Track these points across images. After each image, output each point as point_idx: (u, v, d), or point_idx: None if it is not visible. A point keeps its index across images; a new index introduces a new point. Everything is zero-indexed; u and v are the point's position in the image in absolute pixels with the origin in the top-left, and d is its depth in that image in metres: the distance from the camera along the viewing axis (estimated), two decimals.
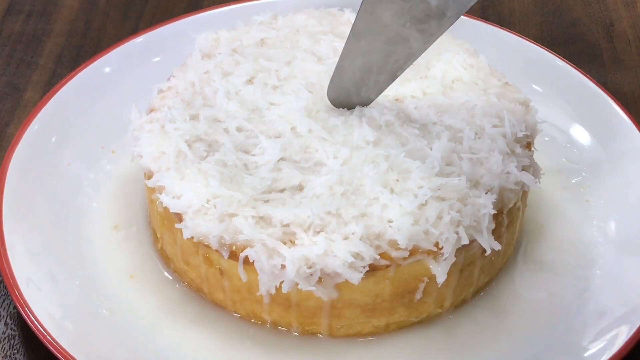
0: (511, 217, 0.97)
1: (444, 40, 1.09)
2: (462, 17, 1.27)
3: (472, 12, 1.37)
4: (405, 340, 0.96)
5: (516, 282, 1.02)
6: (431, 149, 0.95)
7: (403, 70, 0.96)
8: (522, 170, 0.95)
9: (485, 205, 0.91)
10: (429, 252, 0.90)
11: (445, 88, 1.03)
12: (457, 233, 0.89)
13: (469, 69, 1.05)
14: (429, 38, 0.92)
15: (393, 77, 0.97)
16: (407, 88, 1.03)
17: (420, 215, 0.89)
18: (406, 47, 0.93)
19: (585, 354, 0.94)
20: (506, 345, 0.96)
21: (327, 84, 1.02)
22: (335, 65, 1.01)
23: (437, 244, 0.89)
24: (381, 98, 1.01)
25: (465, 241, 0.89)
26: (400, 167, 0.93)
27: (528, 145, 0.99)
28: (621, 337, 0.93)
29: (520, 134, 0.98)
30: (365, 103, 1.00)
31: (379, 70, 0.96)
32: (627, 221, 1.06)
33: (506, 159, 0.95)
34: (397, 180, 0.92)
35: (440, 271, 0.90)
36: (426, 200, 0.90)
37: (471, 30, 1.19)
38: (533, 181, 0.95)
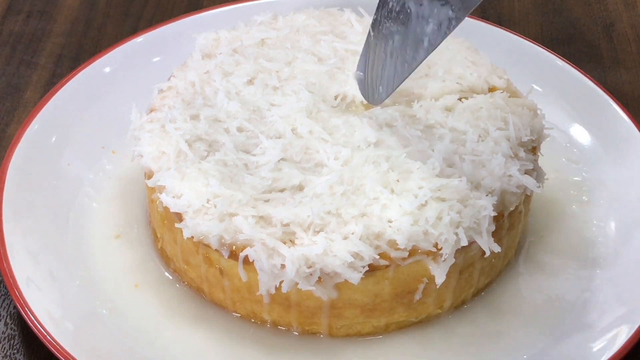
0: (512, 220, 0.97)
1: None
2: None
3: (472, 12, 1.37)
4: (404, 340, 0.96)
5: (516, 283, 1.02)
6: (433, 150, 0.95)
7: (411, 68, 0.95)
8: (525, 174, 0.95)
9: (486, 207, 0.91)
10: (428, 253, 0.90)
11: (449, 88, 1.03)
12: (456, 234, 0.89)
13: (471, 66, 1.05)
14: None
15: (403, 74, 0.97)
16: (409, 86, 1.03)
17: (420, 216, 0.89)
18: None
19: (586, 354, 0.94)
20: (506, 346, 0.96)
21: (328, 84, 1.02)
22: (334, 65, 1.02)
23: (436, 245, 0.89)
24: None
25: (464, 242, 0.89)
26: (401, 168, 0.93)
27: (533, 150, 0.99)
28: (621, 337, 0.93)
29: (525, 138, 0.98)
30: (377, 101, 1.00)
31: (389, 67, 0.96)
32: (627, 221, 1.06)
33: (509, 162, 0.95)
34: (398, 181, 0.92)
35: (439, 272, 0.90)
36: (426, 201, 0.90)
37: (471, 30, 1.19)
38: (535, 185, 0.95)
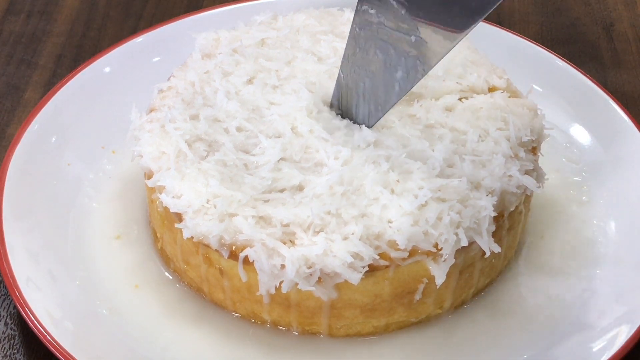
0: (512, 221, 0.97)
1: None
2: None
3: None
4: (404, 340, 0.96)
5: (516, 283, 1.02)
6: (433, 150, 0.95)
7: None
8: (525, 174, 0.95)
9: (486, 207, 0.91)
10: (428, 253, 0.89)
11: (449, 88, 1.03)
12: (456, 234, 0.89)
13: (471, 66, 1.05)
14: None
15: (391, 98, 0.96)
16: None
17: (420, 216, 0.89)
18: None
19: (586, 354, 0.94)
20: (506, 346, 0.96)
21: (328, 84, 1.02)
22: (334, 65, 1.01)
23: (436, 245, 0.89)
24: None
25: (465, 243, 0.89)
26: (401, 168, 0.93)
27: (533, 150, 0.99)
28: (621, 337, 0.93)
29: (525, 139, 0.98)
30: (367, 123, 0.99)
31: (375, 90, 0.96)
32: (627, 221, 1.06)
33: (509, 162, 0.95)
34: (398, 181, 0.92)
35: (439, 272, 0.90)
36: (426, 201, 0.90)
37: (471, 30, 1.19)
38: (535, 185, 0.95)
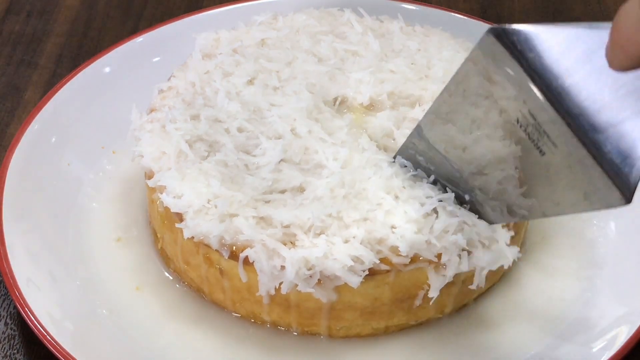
0: (517, 228, 0.97)
1: (443, 39, 1.09)
2: (462, 16, 1.27)
3: (472, 12, 1.37)
4: (404, 341, 0.96)
5: (517, 284, 1.02)
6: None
7: None
8: None
9: (507, 256, 0.90)
10: (430, 262, 0.89)
11: None
12: (459, 257, 0.89)
13: None
14: None
15: None
16: (408, 87, 1.03)
17: (425, 225, 0.89)
18: None
19: (586, 354, 0.94)
20: (506, 346, 0.96)
21: (328, 85, 1.01)
22: (335, 66, 1.01)
23: (439, 256, 0.89)
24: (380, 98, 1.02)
25: (465, 269, 0.89)
26: (405, 175, 0.92)
27: None
28: (621, 337, 0.93)
29: None
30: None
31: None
32: (627, 221, 1.06)
33: None
34: (404, 187, 0.91)
35: (436, 284, 0.89)
36: (432, 210, 0.89)
37: (471, 30, 1.19)
38: None
